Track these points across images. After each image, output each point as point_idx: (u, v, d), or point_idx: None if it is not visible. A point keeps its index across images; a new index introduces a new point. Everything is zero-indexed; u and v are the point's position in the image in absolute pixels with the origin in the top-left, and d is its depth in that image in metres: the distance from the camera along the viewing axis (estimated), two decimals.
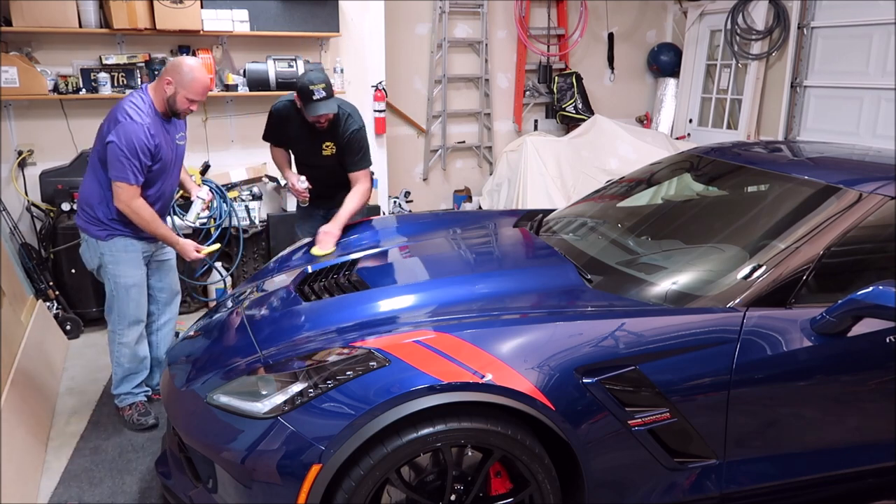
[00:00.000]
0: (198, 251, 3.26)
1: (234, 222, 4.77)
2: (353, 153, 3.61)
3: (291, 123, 3.64)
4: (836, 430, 2.42)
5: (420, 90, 6.58)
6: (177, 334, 4.15)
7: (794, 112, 6.20)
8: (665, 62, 7.29)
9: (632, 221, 3.19)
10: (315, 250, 3.27)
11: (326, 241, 3.34)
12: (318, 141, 3.64)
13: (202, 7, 4.75)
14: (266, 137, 3.84)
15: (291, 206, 5.01)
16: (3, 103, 4.55)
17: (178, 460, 2.46)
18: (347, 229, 3.62)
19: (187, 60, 3.09)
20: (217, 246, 3.20)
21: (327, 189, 3.80)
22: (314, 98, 3.40)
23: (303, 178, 3.80)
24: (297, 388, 2.08)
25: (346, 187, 3.75)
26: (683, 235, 2.98)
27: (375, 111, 5.72)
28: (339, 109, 3.57)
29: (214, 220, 4.71)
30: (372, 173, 3.81)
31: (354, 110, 3.66)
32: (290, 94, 3.61)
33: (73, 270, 4.40)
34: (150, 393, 3.46)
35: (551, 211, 3.72)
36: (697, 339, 2.21)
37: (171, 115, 3.15)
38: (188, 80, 3.04)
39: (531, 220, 3.51)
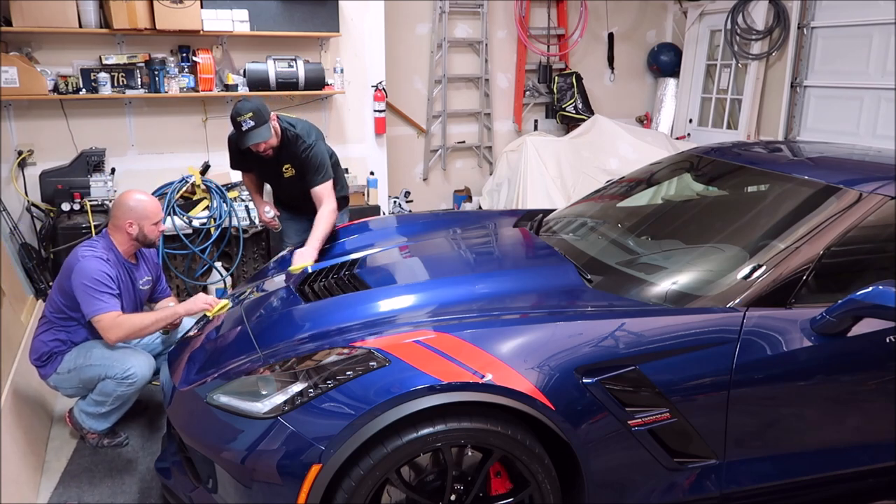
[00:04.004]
0: (209, 304, 3.03)
1: (234, 222, 4.77)
2: (310, 171, 3.56)
3: (247, 152, 3.57)
4: (836, 430, 2.42)
5: (420, 90, 6.58)
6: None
7: (794, 112, 6.20)
8: (665, 62, 7.29)
9: (632, 221, 3.18)
10: (291, 268, 3.10)
11: (300, 260, 3.19)
12: (278, 165, 3.63)
13: (202, 7, 4.75)
14: (232, 165, 3.85)
15: None
16: (3, 103, 4.55)
17: (178, 460, 2.47)
18: (347, 230, 3.62)
19: (127, 196, 3.08)
20: (228, 303, 2.99)
21: (302, 205, 3.80)
22: (242, 129, 3.37)
23: (268, 208, 3.83)
24: (297, 388, 2.08)
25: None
26: (683, 235, 2.97)
27: (375, 111, 5.72)
28: (287, 132, 3.53)
29: (214, 220, 4.71)
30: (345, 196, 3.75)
31: (305, 128, 3.59)
32: None
33: None
34: None
35: (551, 211, 3.71)
36: (697, 340, 2.21)
37: (146, 246, 3.16)
38: (142, 209, 3.05)
39: (531, 220, 3.51)
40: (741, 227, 2.77)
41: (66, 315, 3.02)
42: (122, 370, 2.97)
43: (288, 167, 3.64)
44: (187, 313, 3.09)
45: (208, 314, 2.96)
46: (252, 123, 3.36)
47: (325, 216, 3.49)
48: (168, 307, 3.17)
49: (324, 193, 3.57)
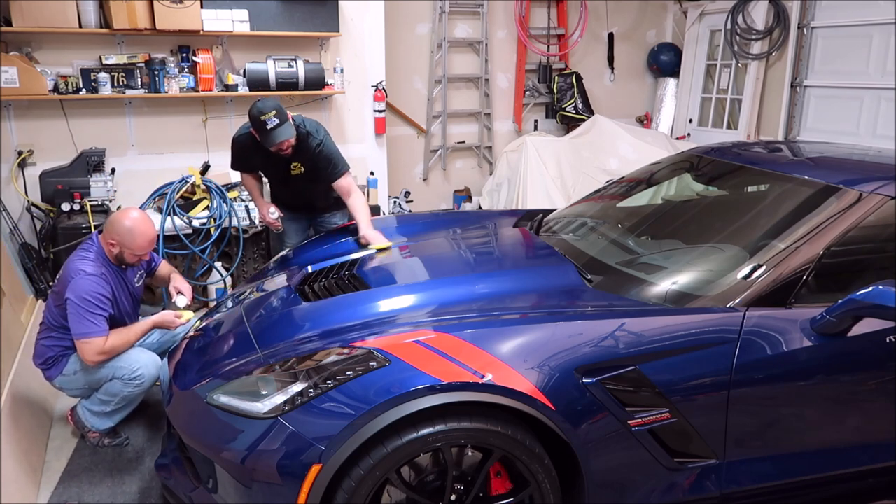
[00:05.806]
0: (178, 317, 3.13)
1: (234, 222, 4.77)
2: (327, 165, 3.55)
3: (256, 152, 3.55)
4: (836, 430, 2.42)
5: (420, 90, 6.58)
6: None
7: (794, 112, 6.20)
8: (665, 62, 7.29)
9: (632, 221, 3.19)
10: (375, 245, 3.19)
11: (376, 237, 3.26)
12: (286, 163, 3.61)
13: (202, 7, 4.75)
14: (234, 167, 3.83)
15: None
16: (3, 103, 4.55)
17: (178, 460, 2.47)
18: (347, 230, 3.63)
19: (126, 218, 2.96)
20: (192, 315, 3.17)
21: (306, 203, 3.79)
22: (268, 127, 3.33)
23: (272, 209, 3.80)
24: (297, 388, 2.08)
25: (323, 198, 3.74)
26: (683, 235, 2.98)
27: (375, 111, 5.72)
28: (299, 129, 3.51)
29: (214, 220, 4.71)
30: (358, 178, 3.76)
31: (312, 125, 3.59)
32: (250, 123, 3.50)
33: None
34: None
35: (551, 211, 3.72)
36: (697, 339, 2.21)
37: (121, 264, 3.09)
38: (129, 240, 2.96)
39: (531, 220, 3.51)
40: (741, 227, 2.77)
41: (67, 325, 2.98)
42: (131, 371, 2.97)
43: (297, 165, 3.62)
44: (163, 326, 3.16)
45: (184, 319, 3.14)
46: (277, 121, 3.33)
47: (359, 202, 3.54)
48: (142, 321, 3.14)
49: (350, 185, 3.60)
